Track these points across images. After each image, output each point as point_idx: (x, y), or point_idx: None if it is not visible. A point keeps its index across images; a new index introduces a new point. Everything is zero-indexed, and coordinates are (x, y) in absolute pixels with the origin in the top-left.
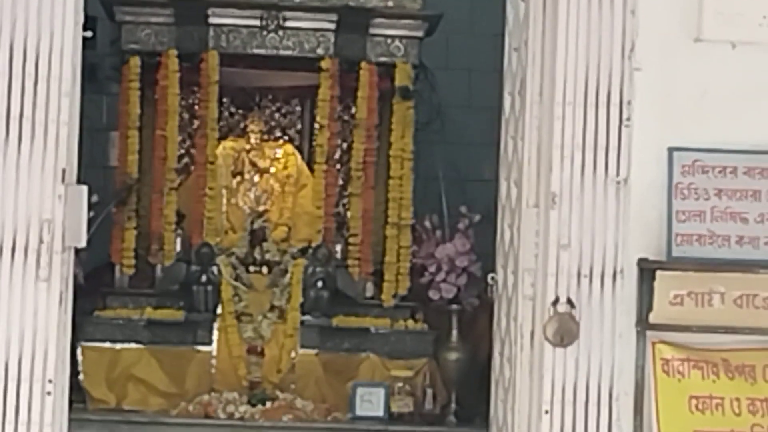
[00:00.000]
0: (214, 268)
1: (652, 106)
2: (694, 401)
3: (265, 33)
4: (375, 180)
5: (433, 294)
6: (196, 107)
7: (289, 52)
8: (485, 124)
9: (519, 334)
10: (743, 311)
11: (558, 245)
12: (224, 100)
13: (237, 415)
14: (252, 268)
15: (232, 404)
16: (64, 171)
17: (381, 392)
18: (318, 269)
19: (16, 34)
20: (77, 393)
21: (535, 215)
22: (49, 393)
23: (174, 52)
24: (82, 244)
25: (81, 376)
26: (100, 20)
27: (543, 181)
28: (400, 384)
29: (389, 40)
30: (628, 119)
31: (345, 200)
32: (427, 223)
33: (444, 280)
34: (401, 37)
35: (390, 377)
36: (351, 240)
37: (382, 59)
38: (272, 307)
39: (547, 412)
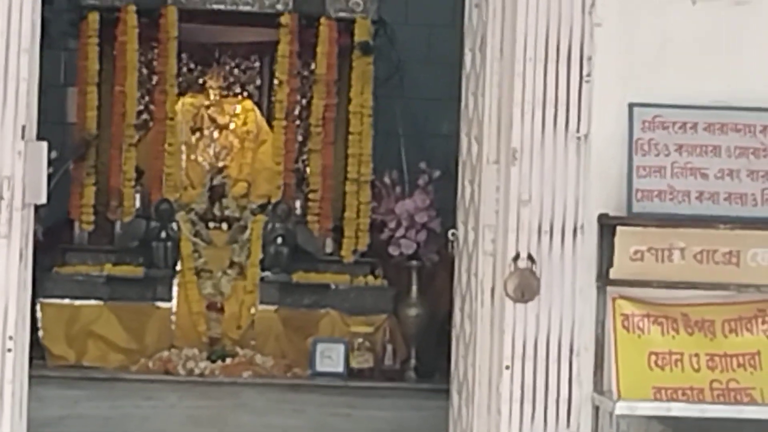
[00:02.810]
0: (174, 225)
1: (613, 61)
2: (653, 357)
3: None
4: (334, 136)
5: (392, 250)
6: (155, 63)
7: (248, 8)
8: (444, 79)
9: (480, 290)
10: (703, 266)
11: (519, 201)
12: (183, 55)
13: (197, 372)
14: (212, 225)
15: (192, 360)
16: (23, 127)
17: (341, 348)
18: (278, 225)
19: None
20: (36, 350)
21: (496, 171)
22: (9, 350)
23: (133, 7)
24: (43, 200)
25: (40, 333)
26: None
27: (504, 137)
28: (360, 340)
29: None
30: (589, 75)
31: (304, 156)
32: (387, 179)
33: (404, 236)
34: None
35: (350, 333)
36: (311, 196)
37: (342, 15)
38: (232, 264)
39: (507, 367)
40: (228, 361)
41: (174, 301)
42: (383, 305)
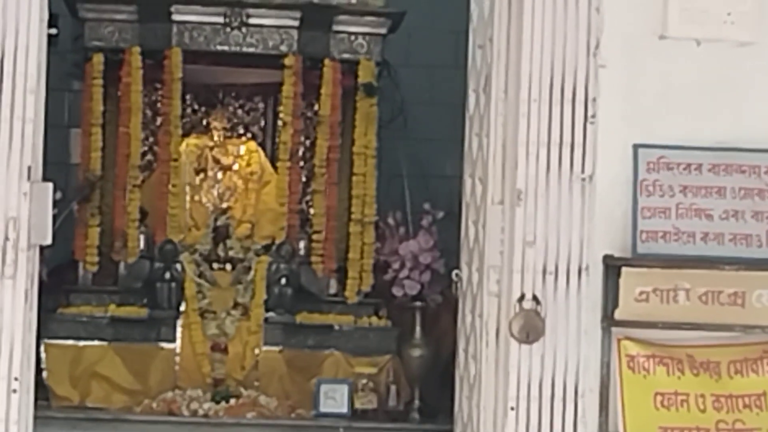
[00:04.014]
0: (178, 266)
1: (617, 103)
2: (659, 398)
3: (228, 30)
4: (338, 177)
5: (396, 291)
6: (160, 104)
7: (252, 49)
8: (447, 120)
9: (484, 330)
10: (708, 308)
11: (523, 242)
12: (187, 97)
13: (201, 413)
14: (215, 265)
15: (195, 401)
16: (29, 168)
17: (345, 389)
18: (281, 266)
19: None
20: (41, 390)
21: (501, 212)
22: (14, 391)
23: (137, 49)
24: (48, 241)
25: (44, 374)
26: (62, 17)
27: (508, 178)
28: (364, 381)
29: (352, 37)
30: (593, 116)
31: (308, 197)
32: (391, 220)
33: (407, 277)
34: (364, 34)
35: (353, 374)
36: (314, 237)
37: (346, 56)
38: (236, 304)
39: (512, 408)
40: (232, 402)
41: (178, 342)
42: (387, 346)
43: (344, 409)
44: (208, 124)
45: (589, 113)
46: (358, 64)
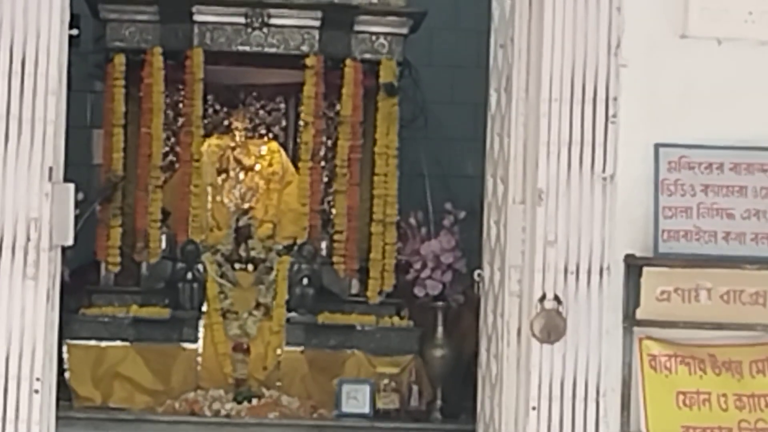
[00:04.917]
0: (200, 266)
1: (638, 102)
2: (681, 397)
3: (249, 30)
4: (360, 177)
5: (418, 291)
6: (181, 105)
7: (273, 50)
8: (468, 119)
9: (506, 330)
10: (730, 307)
11: (545, 241)
12: (209, 97)
13: (223, 413)
14: (237, 266)
15: (218, 402)
16: (51, 169)
17: (366, 389)
18: (303, 266)
19: (3, 33)
20: (63, 391)
21: (522, 212)
22: (36, 391)
23: (159, 49)
24: (70, 242)
25: (67, 374)
26: (83, 17)
27: (529, 178)
28: (386, 381)
29: (374, 37)
30: (614, 116)
31: (330, 197)
32: (412, 220)
33: (429, 277)
34: (386, 34)
35: (375, 374)
36: (336, 237)
37: (367, 56)
38: (258, 305)
39: (534, 408)
40: (254, 402)
41: (200, 343)
42: (409, 346)
43: (366, 410)
44: (230, 124)
45: (610, 113)
46: (380, 64)
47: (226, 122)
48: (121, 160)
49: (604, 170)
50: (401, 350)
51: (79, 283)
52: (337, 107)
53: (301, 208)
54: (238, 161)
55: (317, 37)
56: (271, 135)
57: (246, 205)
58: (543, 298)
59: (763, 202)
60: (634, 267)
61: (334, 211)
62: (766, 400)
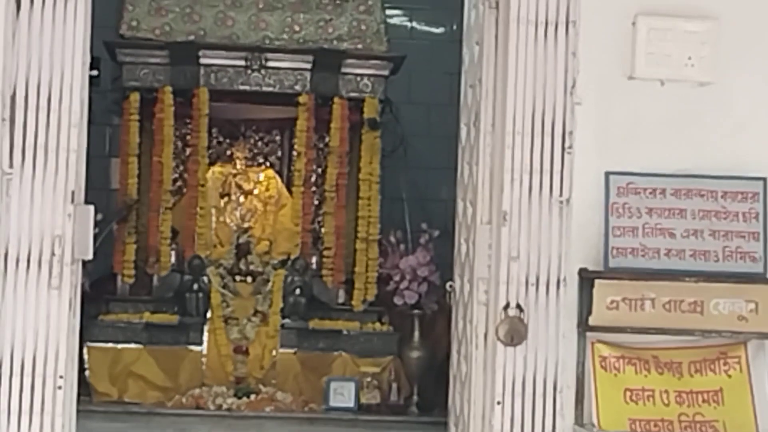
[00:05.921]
0: (205, 278)
1: (591, 135)
2: (628, 393)
3: (249, 72)
4: (346, 200)
5: (397, 300)
6: (189, 137)
7: (270, 89)
8: (442, 150)
9: (474, 335)
10: (671, 315)
11: (508, 257)
12: (213, 130)
13: (225, 407)
14: (238, 278)
15: (220, 397)
16: (73, 193)
17: (352, 386)
18: (296, 278)
19: (32, 72)
20: (83, 387)
21: (488, 231)
22: (59, 387)
23: (169, 88)
24: (89, 256)
25: (87, 373)
26: (103, 60)
27: (495, 201)
28: (369, 379)
29: (359, 78)
30: (570, 147)
31: (320, 218)
32: (392, 238)
33: (407, 288)
34: (369, 76)
35: (359, 373)
36: (325, 253)
37: (353, 95)
38: (256, 312)
39: (499, 403)
40: (252, 397)
41: (205, 345)
42: (389, 348)
43: (351, 404)
44: (232, 154)
45: (566, 144)
46: (364, 101)
47: (228, 152)
48: (135, 185)
49: (561, 195)
50: (382, 352)
51: (98, 293)
52: (327, 139)
53: (295, 227)
54: (238, 186)
55: (309, 78)
56: (268, 163)
57: (246, 225)
58: (507, 306)
59: (700, 223)
60: (587, 279)
61: (323, 230)
62: (702, 396)
